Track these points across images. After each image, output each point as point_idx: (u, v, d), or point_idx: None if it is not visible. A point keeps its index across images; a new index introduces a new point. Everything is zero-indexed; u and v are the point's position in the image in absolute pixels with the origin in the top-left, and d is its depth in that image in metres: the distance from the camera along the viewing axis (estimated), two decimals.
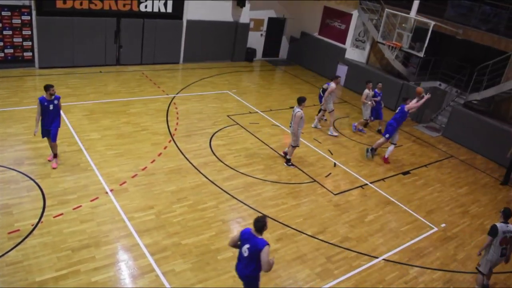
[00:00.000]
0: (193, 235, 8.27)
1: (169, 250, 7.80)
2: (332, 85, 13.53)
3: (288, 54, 23.04)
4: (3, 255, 7.07)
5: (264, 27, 21.65)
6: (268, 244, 5.87)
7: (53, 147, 9.70)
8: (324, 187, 10.83)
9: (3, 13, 14.49)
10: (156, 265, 7.39)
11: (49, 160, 9.88)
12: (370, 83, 14.19)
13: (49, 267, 7.00)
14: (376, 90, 14.47)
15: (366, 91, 14.09)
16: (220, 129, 13.01)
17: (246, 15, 20.06)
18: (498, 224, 7.69)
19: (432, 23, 14.86)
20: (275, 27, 22.03)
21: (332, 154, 12.66)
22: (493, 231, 7.67)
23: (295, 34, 22.45)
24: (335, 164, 12.09)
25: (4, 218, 7.91)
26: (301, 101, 10.86)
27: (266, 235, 8.46)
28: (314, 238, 8.84)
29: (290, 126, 11.20)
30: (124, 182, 9.59)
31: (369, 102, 14.11)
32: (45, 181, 9.16)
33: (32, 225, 7.85)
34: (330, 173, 11.55)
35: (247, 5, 19.69)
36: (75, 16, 15.72)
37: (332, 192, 10.65)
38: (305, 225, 9.18)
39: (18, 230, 7.67)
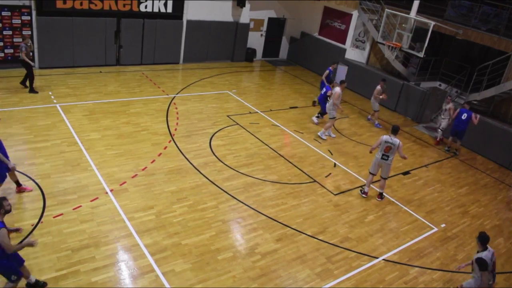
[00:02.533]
0: (193, 235, 8.27)
1: (169, 250, 7.79)
2: (338, 89, 13.40)
3: (288, 55, 23.04)
4: None
5: (264, 27, 21.65)
6: (4, 227, 5.91)
7: (14, 174, 8.59)
8: (324, 187, 10.83)
9: (3, 13, 14.49)
10: (156, 265, 7.38)
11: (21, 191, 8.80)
12: (384, 81, 15.57)
13: (49, 267, 7.00)
14: (330, 68, 15.91)
15: (378, 87, 15.18)
16: (220, 129, 13.00)
17: (246, 15, 20.07)
18: (483, 255, 6.90)
19: (432, 23, 14.86)
20: (275, 27, 22.04)
21: (332, 154, 12.66)
22: (483, 265, 6.83)
23: (295, 35, 22.46)
24: (335, 164, 12.09)
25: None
26: (397, 130, 10.15)
27: (266, 236, 8.52)
28: (314, 238, 8.84)
29: (386, 159, 10.29)
30: (124, 182, 9.58)
31: (381, 97, 15.14)
32: (45, 181, 9.16)
33: (32, 225, 7.86)
34: (330, 173, 11.55)
35: (247, 5, 19.69)
36: (75, 16, 15.72)
37: (332, 192, 10.65)
38: (305, 225, 9.18)
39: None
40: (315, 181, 11.04)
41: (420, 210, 10.60)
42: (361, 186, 11.11)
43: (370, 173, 10.61)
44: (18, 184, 8.73)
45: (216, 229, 8.55)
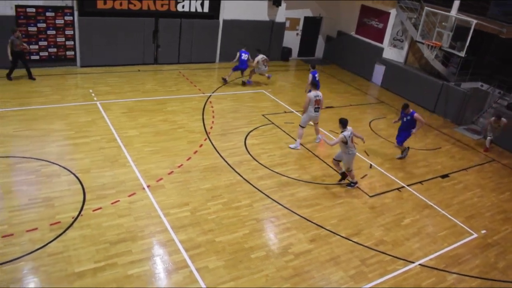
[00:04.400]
0: (227, 233, 8.33)
1: (203, 246, 7.88)
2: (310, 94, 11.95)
3: (324, 54, 22.85)
4: (44, 245, 7.34)
5: (300, 26, 21.56)
6: None
7: None
8: (360, 188, 10.67)
9: (47, 14, 15.04)
10: (190, 261, 7.47)
11: None
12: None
13: (87, 259, 7.21)
14: (244, 50, 16.59)
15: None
16: (255, 128, 13.04)
17: (282, 14, 20.04)
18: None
19: (474, 21, 14.39)
20: (311, 26, 21.90)
21: (368, 155, 12.46)
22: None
23: (331, 33, 22.25)
24: (371, 165, 11.90)
25: (46, 210, 8.21)
26: (347, 122, 10.12)
27: (299, 236, 8.48)
28: (349, 240, 8.72)
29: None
30: (161, 179, 9.76)
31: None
32: (85, 175, 9.44)
33: (73, 217, 8.11)
34: (366, 175, 11.38)
35: (283, 4, 19.66)
36: (115, 17, 16.12)
37: (367, 194, 10.49)
38: (339, 227, 9.08)
39: (59, 222, 7.95)
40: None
41: (459, 215, 10.28)
42: (397, 189, 10.90)
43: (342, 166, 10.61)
44: None
45: (249, 228, 8.58)
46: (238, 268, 7.50)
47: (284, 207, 9.42)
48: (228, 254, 7.78)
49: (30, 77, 14.33)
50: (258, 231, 8.54)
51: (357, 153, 12.36)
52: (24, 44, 14.05)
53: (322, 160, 11.72)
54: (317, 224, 9.02)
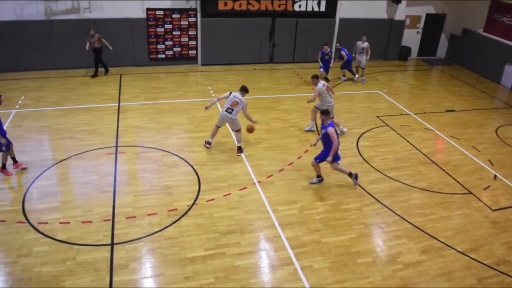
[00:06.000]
0: (333, 235, 8.23)
1: (308, 246, 7.89)
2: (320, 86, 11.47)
3: (447, 53, 21.34)
4: (162, 229, 7.98)
5: (421, 24, 20.41)
6: None
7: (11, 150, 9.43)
8: (481, 200, 9.81)
9: (173, 16, 16.22)
10: (295, 259, 7.54)
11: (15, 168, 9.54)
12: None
13: (199, 246, 7.66)
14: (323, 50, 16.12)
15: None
16: (369, 130, 12.68)
17: (401, 12, 19.16)
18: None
19: None
20: (434, 23, 20.60)
21: (492, 165, 11.39)
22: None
23: (455, 31, 20.69)
24: (495, 176, 10.87)
25: (165, 197, 8.91)
26: (246, 89, 10.80)
27: (410, 246, 8.08)
28: (465, 255, 8.07)
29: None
30: (271, 175, 9.98)
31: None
32: (201, 167, 10.04)
33: (188, 206, 8.69)
34: (489, 186, 10.42)
35: (403, 2, 18.78)
36: (234, 17, 16.81)
37: (490, 208, 9.59)
38: (455, 240, 8.44)
39: (176, 209, 8.57)
40: (470, 192, 10.07)
41: None
42: None
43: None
44: (14, 160, 9.51)
45: (357, 232, 8.39)
46: (343, 272, 7.38)
47: (395, 213, 9.04)
48: (334, 256, 7.70)
49: (95, 74, 15.45)
50: (366, 236, 8.31)
51: (481, 162, 11.43)
52: (96, 43, 14.82)
53: (440, 167, 11.00)
54: (430, 235, 8.50)
